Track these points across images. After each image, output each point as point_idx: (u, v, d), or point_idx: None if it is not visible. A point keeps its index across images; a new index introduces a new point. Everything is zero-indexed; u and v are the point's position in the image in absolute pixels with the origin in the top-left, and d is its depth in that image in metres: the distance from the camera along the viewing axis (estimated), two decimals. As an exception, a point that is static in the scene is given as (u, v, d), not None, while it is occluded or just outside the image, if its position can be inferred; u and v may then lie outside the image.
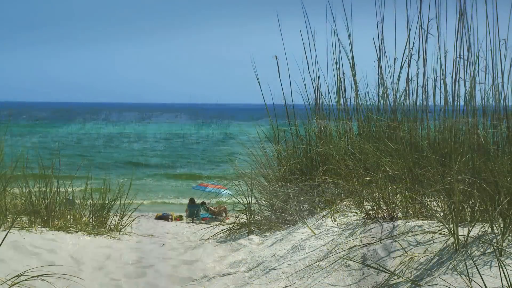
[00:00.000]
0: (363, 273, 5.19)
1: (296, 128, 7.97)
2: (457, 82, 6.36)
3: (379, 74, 7.27)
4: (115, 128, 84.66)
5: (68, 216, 8.13)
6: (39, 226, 7.73)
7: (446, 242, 4.99)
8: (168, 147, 58.90)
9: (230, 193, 8.54)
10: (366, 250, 5.39)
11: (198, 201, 25.10)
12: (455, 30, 6.26)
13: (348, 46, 7.57)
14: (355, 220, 6.29)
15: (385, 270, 4.99)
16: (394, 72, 7.12)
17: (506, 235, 4.68)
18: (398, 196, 6.02)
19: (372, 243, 5.46)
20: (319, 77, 7.85)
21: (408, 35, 6.83)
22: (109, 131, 78.43)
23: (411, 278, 4.76)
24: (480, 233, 4.92)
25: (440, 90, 6.55)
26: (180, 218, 24.81)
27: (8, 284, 5.56)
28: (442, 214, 5.56)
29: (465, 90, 6.19)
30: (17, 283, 5.59)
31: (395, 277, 4.85)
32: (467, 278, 4.26)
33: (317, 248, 5.93)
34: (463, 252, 4.70)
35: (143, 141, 65.21)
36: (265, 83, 7.91)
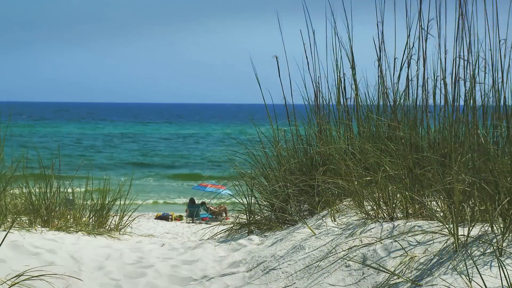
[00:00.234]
0: (363, 273, 5.19)
1: (296, 128, 7.96)
2: (457, 82, 6.36)
3: (379, 74, 7.27)
4: (115, 128, 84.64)
5: (68, 216, 8.13)
6: (39, 226, 7.74)
7: (446, 242, 4.99)
8: (168, 147, 58.91)
9: (230, 193, 8.54)
10: (366, 250, 5.39)
11: (198, 201, 25.10)
12: (455, 30, 6.26)
13: (348, 46, 7.57)
14: (355, 220, 6.29)
15: (385, 270, 4.99)
16: (394, 72, 7.12)
17: (506, 235, 4.68)
18: (398, 196, 6.02)
19: (372, 243, 5.46)
20: (319, 77, 7.85)
21: (408, 35, 6.83)
22: (109, 131, 78.42)
23: (411, 278, 4.76)
24: (480, 233, 4.92)
25: (440, 90, 6.55)
26: (180, 218, 24.82)
27: (8, 284, 5.56)
28: (442, 214, 5.56)
29: (465, 90, 6.19)
30: (17, 283, 5.59)
31: (395, 277, 4.85)
32: (467, 278, 4.26)
33: (317, 248, 5.93)
34: (463, 252, 4.70)
35: (143, 141, 65.21)
36: (265, 83, 7.91)
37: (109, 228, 8.36)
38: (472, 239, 4.82)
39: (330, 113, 7.88)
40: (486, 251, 4.63)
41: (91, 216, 8.34)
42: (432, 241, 5.12)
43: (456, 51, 6.26)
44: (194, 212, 24.61)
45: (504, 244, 4.61)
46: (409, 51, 6.89)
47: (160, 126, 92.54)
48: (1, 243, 5.92)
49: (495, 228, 4.89)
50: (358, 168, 6.57)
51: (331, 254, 5.64)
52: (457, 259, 4.65)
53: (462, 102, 6.27)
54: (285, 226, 7.23)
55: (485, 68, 5.98)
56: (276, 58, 7.81)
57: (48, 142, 55.35)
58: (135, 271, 6.45)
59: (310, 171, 7.47)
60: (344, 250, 5.58)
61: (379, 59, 7.26)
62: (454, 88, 6.38)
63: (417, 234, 5.27)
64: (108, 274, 6.37)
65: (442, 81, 6.47)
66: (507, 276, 4.10)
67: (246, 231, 7.48)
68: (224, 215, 24.21)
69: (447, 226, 5.09)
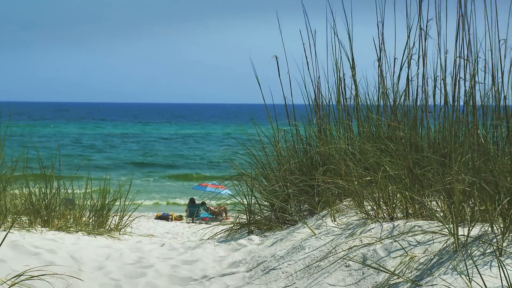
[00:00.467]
0: (363, 273, 5.19)
1: (296, 128, 7.96)
2: (457, 82, 6.36)
3: (379, 74, 7.27)
4: (115, 128, 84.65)
5: (68, 216, 8.13)
6: (39, 226, 7.74)
7: (446, 242, 4.99)
8: (168, 147, 58.90)
9: (230, 193, 8.54)
10: (366, 250, 5.39)
11: (198, 201, 25.10)
12: (455, 30, 6.26)
13: (348, 46, 7.57)
14: (355, 220, 6.29)
15: (385, 270, 4.99)
16: (394, 72, 7.12)
17: (506, 235, 4.68)
18: (398, 196, 6.03)
19: (372, 243, 5.46)
20: (319, 77, 7.85)
21: (408, 35, 6.83)
22: (109, 131, 78.42)
23: (411, 278, 4.76)
24: (480, 233, 4.92)
25: (440, 90, 6.55)
26: (180, 218, 24.83)
27: (8, 284, 5.57)
28: (442, 214, 5.56)
29: (465, 90, 6.19)
30: (17, 283, 5.59)
31: (395, 277, 4.85)
32: (467, 278, 4.26)
33: (317, 248, 5.93)
34: (463, 252, 4.70)
35: (143, 141, 65.21)
36: (265, 83, 7.91)
37: (109, 228, 8.36)
38: (472, 239, 4.82)
39: (330, 113, 7.87)
40: (486, 251, 4.63)
41: (91, 216, 8.34)
42: (432, 241, 5.12)
43: (456, 51, 6.26)
44: (194, 212, 24.62)
45: (504, 244, 4.61)
46: (409, 51, 6.89)
47: (160, 126, 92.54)
48: (1, 243, 5.92)
49: (495, 228, 4.89)
50: (358, 168, 6.57)
51: (331, 254, 5.64)
52: (457, 259, 4.65)
53: (462, 102, 6.27)
54: (285, 226, 7.24)
55: (485, 68, 5.98)
56: (276, 58, 7.81)
57: (48, 142, 55.35)
58: (135, 271, 6.45)
59: (310, 171, 7.47)
60: (344, 250, 5.58)
61: (379, 59, 7.26)
62: (454, 88, 6.38)
63: (417, 234, 5.27)
64: (108, 274, 6.37)
65: (442, 81, 6.48)
66: (507, 276, 4.10)
67: (246, 231, 7.48)
68: (224, 215, 24.22)
69: (447, 226, 5.09)
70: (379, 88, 7.32)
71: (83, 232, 7.79)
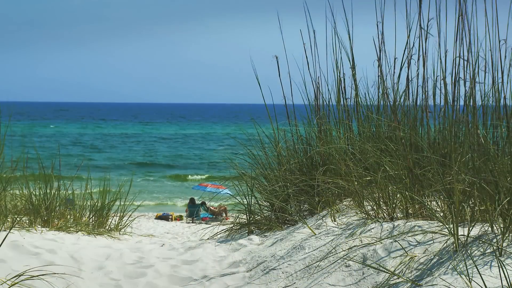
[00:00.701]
0: (363, 273, 5.19)
1: (296, 128, 7.97)
2: (457, 82, 6.35)
3: (379, 74, 7.27)
4: (115, 128, 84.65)
5: (68, 216, 8.13)
6: (39, 226, 7.74)
7: (446, 242, 5.00)
8: (168, 147, 58.91)
9: (230, 193, 8.54)
10: (366, 250, 5.39)
11: (198, 201, 25.11)
12: (455, 30, 6.26)
13: (348, 46, 7.57)
14: (355, 220, 6.29)
15: (385, 270, 4.99)
16: (394, 72, 7.12)
17: (506, 235, 4.68)
18: (398, 196, 6.03)
19: (372, 243, 5.46)
20: (319, 77, 7.85)
21: (408, 35, 6.83)
22: (109, 131, 78.43)
23: (411, 278, 4.77)
24: (480, 233, 4.92)
25: (440, 90, 6.55)
26: (180, 218, 24.83)
27: (8, 284, 5.57)
28: (442, 214, 5.56)
29: (465, 90, 6.19)
30: (17, 283, 5.59)
31: (395, 277, 4.85)
32: (467, 278, 4.26)
33: (317, 248, 5.93)
34: (463, 252, 4.70)
35: (143, 141, 65.22)
36: (265, 83, 7.91)
37: (109, 228, 8.36)
38: (472, 239, 4.82)
39: (330, 113, 7.88)
40: (486, 251, 4.63)
41: (91, 216, 8.34)
42: (432, 241, 5.12)
43: (456, 51, 6.26)
44: (194, 212, 24.63)
45: (504, 244, 4.61)
46: (409, 51, 6.89)
47: (160, 126, 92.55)
48: (1, 243, 5.92)
49: (495, 228, 4.89)
50: (358, 168, 6.57)
51: (331, 254, 5.65)
52: (457, 259, 4.65)
53: (462, 102, 6.27)
54: (285, 226, 7.24)
55: (485, 68, 5.98)
56: (276, 58, 7.81)
57: (48, 142, 55.37)
58: (135, 271, 6.45)
59: (310, 171, 7.47)
60: (344, 250, 5.58)
61: (379, 59, 7.26)
62: (454, 88, 6.38)
63: (417, 234, 5.28)
64: (108, 274, 6.37)
65: (442, 81, 6.47)
66: (507, 276, 4.10)
67: (246, 231, 7.48)
68: (224, 215, 24.23)
69: (447, 226, 5.09)
70: (379, 88, 7.33)
71: (83, 232, 7.79)
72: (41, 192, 7.98)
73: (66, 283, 5.96)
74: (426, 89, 6.75)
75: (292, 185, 7.40)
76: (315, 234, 6.27)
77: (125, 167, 42.56)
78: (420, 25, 6.65)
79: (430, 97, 6.72)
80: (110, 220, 8.47)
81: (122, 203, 8.61)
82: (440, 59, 6.44)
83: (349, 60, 7.63)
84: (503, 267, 4.19)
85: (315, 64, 7.84)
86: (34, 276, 5.73)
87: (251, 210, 7.56)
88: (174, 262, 6.64)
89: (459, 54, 6.24)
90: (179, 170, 43.19)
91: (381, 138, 6.86)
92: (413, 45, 6.83)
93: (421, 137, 6.65)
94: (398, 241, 5.26)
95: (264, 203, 7.72)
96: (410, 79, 6.92)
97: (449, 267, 4.59)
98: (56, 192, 8.06)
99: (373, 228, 5.76)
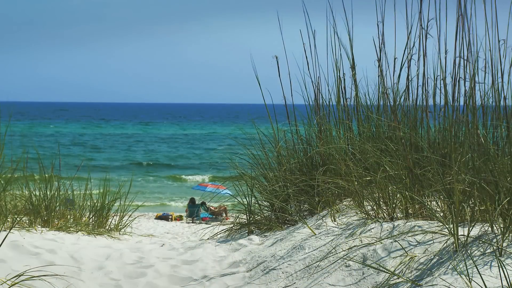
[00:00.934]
0: (363, 273, 5.19)
1: (296, 128, 7.97)
2: (457, 82, 6.36)
3: (379, 74, 7.27)
4: (115, 128, 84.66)
5: (68, 216, 8.14)
6: (39, 226, 7.74)
7: (446, 242, 5.00)
8: (168, 147, 58.91)
9: (230, 193, 8.54)
10: (366, 250, 5.39)
11: (198, 201, 25.11)
12: (455, 30, 6.27)
13: (348, 46, 7.57)
14: (355, 220, 6.29)
15: (385, 270, 4.99)
16: (394, 72, 7.12)
17: (506, 235, 4.68)
18: (398, 196, 6.03)
19: (372, 243, 5.46)
20: (319, 77, 7.85)
21: (408, 35, 6.83)
22: (109, 131, 78.43)
23: (411, 278, 4.77)
24: (480, 233, 4.92)
25: (440, 90, 6.55)
26: (180, 218, 24.83)
27: (8, 284, 5.57)
28: (442, 214, 5.56)
29: (465, 90, 6.19)
30: (17, 283, 5.59)
31: (395, 277, 4.85)
32: (467, 278, 4.26)
33: (317, 248, 5.93)
34: (463, 252, 4.70)
35: (143, 141, 65.23)
36: (265, 83, 7.91)
37: (109, 228, 8.36)
38: (472, 239, 4.82)
39: (330, 113, 7.87)
40: (486, 251, 4.63)
41: (91, 216, 8.34)
42: (432, 241, 5.12)
43: (456, 51, 6.27)
44: (194, 212, 24.62)
45: (504, 244, 4.61)
46: (409, 51, 6.89)
47: (160, 126, 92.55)
48: (1, 243, 5.92)
49: (495, 228, 4.89)
50: (358, 168, 6.57)
51: (331, 254, 5.65)
52: (457, 259, 4.65)
53: (462, 102, 6.27)
54: (285, 226, 7.24)
55: (485, 68, 5.98)
56: (276, 58, 7.81)
57: (48, 142, 55.37)
58: (135, 271, 6.45)
59: (310, 171, 7.47)
60: (344, 250, 5.58)
61: (379, 59, 7.26)
62: (454, 88, 6.38)
63: (417, 234, 5.28)
64: (108, 274, 6.37)
65: (442, 81, 6.47)
66: (507, 276, 4.10)
67: (246, 231, 7.48)
68: (224, 215, 24.22)
69: (447, 226, 5.09)
70: (379, 88, 7.33)
71: (83, 232, 7.79)
72: (41, 192, 7.98)
73: (66, 283, 5.96)
74: (426, 89, 6.75)
75: (292, 185, 7.40)
76: (315, 234, 6.27)
77: (125, 167, 42.57)
78: (420, 25, 6.66)
79: (430, 97, 6.73)
80: (110, 220, 8.47)
81: (122, 203, 8.61)
82: (440, 59, 6.45)
83: (349, 60, 7.63)
84: (503, 267, 4.19)
85: (315, 64, 7.85)
86: (34, 276, 5.73)
87: (251, 210, 7.56)
88: (174, 262, 6.64)
89: (459, 54, 6.24)
90: (179, 170, 43.19)
91: (381, 138, 6.86)
92: (413, 45, 6.84)
93: (421, 137, 6.65)
94: (398, 241, 5.26)
95: (264, 203, 7.72)
96: (410, 79, 6.93)
97: (449, 267, 4.59)
98: (56, 192, 8.07)
99: (373, 228, 5.77)
